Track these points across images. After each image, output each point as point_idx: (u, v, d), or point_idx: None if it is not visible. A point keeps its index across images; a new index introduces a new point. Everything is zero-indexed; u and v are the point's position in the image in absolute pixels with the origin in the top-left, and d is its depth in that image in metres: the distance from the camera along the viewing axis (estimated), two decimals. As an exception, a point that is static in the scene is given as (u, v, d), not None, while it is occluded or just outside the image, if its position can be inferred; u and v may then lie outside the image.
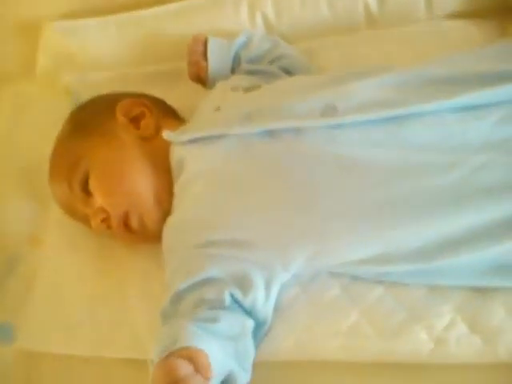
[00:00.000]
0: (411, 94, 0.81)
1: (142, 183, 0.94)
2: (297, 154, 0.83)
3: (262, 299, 0.85)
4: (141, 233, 0.95)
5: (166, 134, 0.93)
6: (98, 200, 0.94)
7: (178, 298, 0.87)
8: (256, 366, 0.84)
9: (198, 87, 1.10)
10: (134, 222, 0.93)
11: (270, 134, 0.85)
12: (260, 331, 0.85)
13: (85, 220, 0.97)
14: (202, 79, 1.06)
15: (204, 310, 0.82)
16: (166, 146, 0.94)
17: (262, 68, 1.02)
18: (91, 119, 0.99)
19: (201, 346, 0.73)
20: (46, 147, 1.06)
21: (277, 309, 0.87)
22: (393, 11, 1.08)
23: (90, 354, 0.94)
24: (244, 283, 0.85)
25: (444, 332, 0.79)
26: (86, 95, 1.11)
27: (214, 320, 0.80)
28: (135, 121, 0.98)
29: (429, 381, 0.79)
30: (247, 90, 0.93)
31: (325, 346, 0.83)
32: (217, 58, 1.04)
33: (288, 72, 1.02)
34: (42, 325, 0.97)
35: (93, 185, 0.94)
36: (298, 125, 0.84)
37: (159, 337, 0.79)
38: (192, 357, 0.70)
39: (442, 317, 0.80)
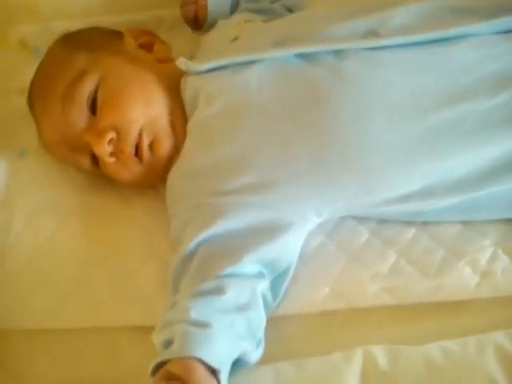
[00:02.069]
0: (452, 19, 0.79)
1: (159, 101, 0.84)
2: (338, 78, 0.77)
3: (286, 247, 0.78)
4: (149, 164, 0.83)
5: (182, 62, 0.83)
6: (108, 117, 0.82)
7: (190, 255, 0.78)
8: (288, 319, 0.78)
9: (179, 39, 1.00)
10: (145, 149, 0.82)
11: (307, 58, 0.78)
12: (282, 282, 0.78)
13: (80, 152, 0.84)
14: (198, 20, 0.98)
15: (211, 279, 0.74)
16: (179, 76, 0.85)
17: (266, 6, 0.96)
18: (94, 38, 0.88)
19: (199, 353, 0.67)
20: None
21: (303, 259, 0.80)
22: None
23: (84, 326, 0.82)
24: (266, 233, 0.77)
25: (488, 265, 0.77)
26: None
27: (221, 291, 0.73)
28: (145, 47, 0.89)
29: (474, 317, 0.76)
30: (266, 21, 0.86)
31: (364, 291, 0.78)
32: None
33: (291, 11, 0.96)
34: (24, 298, 0.83)
35: (105, 98, 0.82)
36: (340, 47, 0.78)
37: (163, 321, 0.72)
38: (185, 378, 0.66)
39: (483, 251, 0.78)
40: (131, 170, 0.84)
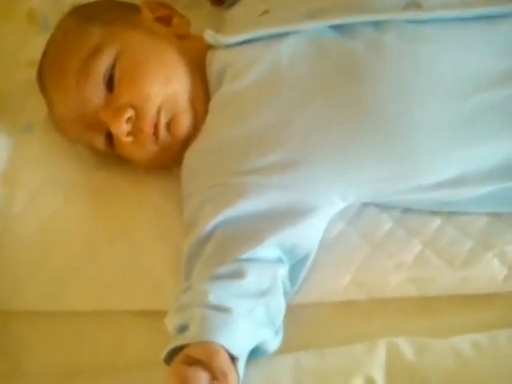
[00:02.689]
0: None
1: (180, 78, 0.80)
2: (378, 52, 0.73)
3: (308, 232, 0.74)
4: (165, 144, 0.79)
5: (210, 35, 0.79)
6: (126, 94, 0.77)
7: (206, 237, 0.74)
8: (307, 307, 0.75)
9: (197, 17, 0.95)
10: (162, 128, 0.78)
11: (344, 30, 0.75)
12: (300, 269, 0.74)
13: (95, 131, 0.80)
14: None
15: (229, 262, 0.71)
16: (202, 51, 0.81)
17: None
18: (109, 10, 0.84)
19: (219, 338, 0.63)
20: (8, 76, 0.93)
21: (324, 246, 0.76)
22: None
23: (88, 309, 0.78)
24: (289, 216, 0.73)
25: (517, 258, 0.74)
26: (57, 21, 0.95)
27: (240, 275, 0.70)
28: (162, 20, 0.85)
29: (501, 311, 0.72)
30: None
31: (388, 281, 0.74)
32: None
33: None
34: (25, 278, 0.79)
35: (123, 74, 0.78)
36: (380, 18, 0.74)
37: (178, 305, 0.68)
38: (207, 362, 0.63)
39: (511, 243, 0.75)
40: (148, 150, 0.80)
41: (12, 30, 1.01)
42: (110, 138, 0.82)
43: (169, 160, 0.83)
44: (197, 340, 0.64)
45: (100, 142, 0.82)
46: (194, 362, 0.63)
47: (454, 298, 0.74)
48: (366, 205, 0.80)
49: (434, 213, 0.78)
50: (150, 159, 0.82)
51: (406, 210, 0.79)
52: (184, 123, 0.80)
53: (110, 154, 0.85)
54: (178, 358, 0.64)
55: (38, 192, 0.84)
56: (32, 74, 0.93)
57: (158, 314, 0.72)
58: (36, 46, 0.99)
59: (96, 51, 0.79)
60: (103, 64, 0.78)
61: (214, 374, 0.62)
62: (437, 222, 0.78)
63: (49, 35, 0.97)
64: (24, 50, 0.99)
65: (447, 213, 0.78)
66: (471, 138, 0.72)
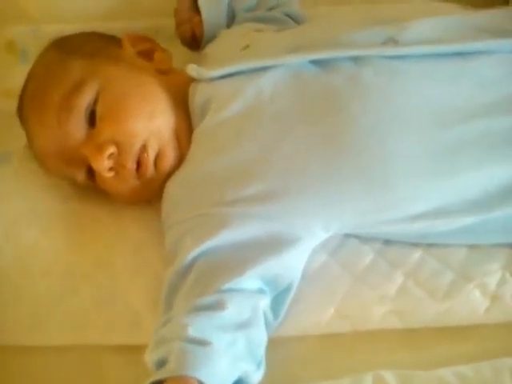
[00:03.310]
0: (472, 35, 0.77)
1: (163, 113, 0.79)
2: (357, 86, 0.74)
3: (290, 263, 0.74)
4: (149, 179, 0.79)
5: (193, 69, 0.80)
6: (108, 130, 0.77)
7: (187, 268, 0.73)
8: (290, 341, 0.74)
9: (177, 49, 0.98)
10: (151, 164, 0.78)
11: (323, 65, 0.76)
12: (283, 300, 0.74)
13: (75, 166, 0.79)
14: (195, 38, 0.95)
15: (210, 294, 0.70)
16: (184, 85, 0.81)
17: (268, 14, 0.93)
18: (90, 44, 0.84)
19: (198, 373, 0.62)
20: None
21: (306, 278, 0.76)
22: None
23: (65, 344, 0.75)
24: (271, 247, 0.73)
25: (497, 289, 0.74)
26: (36, 53, 0.93)
27: (221, 306, 0.69)
28: (144, 55, 0.85)
29: (484, 342, 0.72)
30: (278, 30, 0.84)
31: (371, 313, 0.74)
32: (210, 9, 0.94)
33: (292, 19, 0.94)
34: (2, 313, 0.76)
35: (105, 110, 0.77)
36: (359, 53, 0.75)
37: (157, 339, 0.67)
38: None
39: (492, 275, 0.75)
40: (129, 185, 0.80)
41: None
42: (91, 172, 0.81)
43: (149, 195, 0.83)
44: (175, 374, 0.62)
45: (81, 176, 0.81)
46: None
47: (437, 330, 0.74)
48: (347, 236, 0.80)
49: (415, 244, 0.79)
50: (132, 194, 0.81)
51: (387, 242, 0.79)
52: (170, 158, 0.80)
53: (91, 188, 0.84)
54: None
55: (14, 224, 0.83)
56: (9, 103, 0.93)
57: (138, 349, 0.70)
58: (14, 77, 0.99)
59: (77, 86, 0.78)
60: (85, 100, 0.78)
61: None
62: (418, 253, 0.78)
63: (27, 66, 0.97)
64: (1, 79, 0.99)
65: (427, 244, 0.79)
66: (450, 170, 0.73)
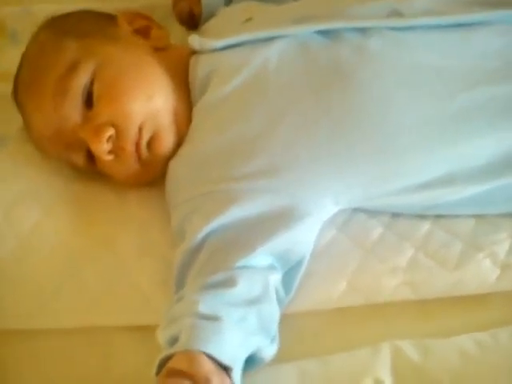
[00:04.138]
0: (475, 6, 0.77)
1: (162, 92, 0.77)
2: (364, 56, 0.74)
3: (300, 238, 0.73)
4: (148, 162, 0.77)
5: (195, 39, 0.78)
6: (106, 112, 0.75)
7: (197, 247, 0.71)
8: (302, 316, 0.73)
9: (173, 28, 0.96)
10: (144, 146, 0.76)
11: (329, 36, 0.75)
12: (294, 276, 0.73)
13: (74, 149, 0.77)
14: (193, 17, 0.93)
15: (221, 271, 0.69)
16: (183, 60, 0.80)
17: None
18: (85, 23, 0.81)
19: (208, 347, 0.61)
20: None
21: (316, 253, 0.75)
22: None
23: (73, 326, 0.73)
24: (281, 221, 0.72)
25: (507, 257, 0.74)
26: (26, 35, 0.91)
27: (231, 283, 0.68)
28: (141, 32, 0.83)
29: (496, 310, 0.72)
30: (279, 4, 0.83)
31: (384, 285, 0.73)
32: None
33: None
34: (4, 295, 0.74)
35: (102, 91, 0.75)
36: (366, 24, 0.75)
37: (168, 317, 0.66)
38: (188, 370, 0.60)
39: (501, 243, 0.75)
40: (130, 168, 0.78)
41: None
42: (90, 155, 0.79)
43: (151, 177, 0.81)
44: (184, 349, 0.61)
45: (80, 159, 0.80)
46: (175, 373, 0.60)
47: (449, 300, 0.73)
48: (355, 211, 0.80)
49: (423, 217, 0.79)
50: (133, 177, 0.80)
51: (395, 215, 0.79)
52: (166, 141, 0.78)
53: (90, 171, 0.82)
54: (163, 371, 0.61)
55: (13, 205, 0.80)
56: (1, 86, 0.91)
57: (148, 329, 0.70)
58: (4, 59, 0.97)
59: (73, 67, 0.76)
60: (81, 81, 0.76)
61: (197, 382, 0.60)
62: (426, 225, 0.78)
63: (18, 47, 0.95)
64: (-8, 62, 0.96)
65: (435, 216, 0.79)
66: (457, 137, 0.73)
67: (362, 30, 0.76)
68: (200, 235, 0.72)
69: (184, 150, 0.78)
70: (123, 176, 0.80)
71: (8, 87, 0.88)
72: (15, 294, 0.74)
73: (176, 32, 0.93)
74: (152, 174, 0.80)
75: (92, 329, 0.73)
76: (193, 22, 0.94)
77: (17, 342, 0.73)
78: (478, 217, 0.79)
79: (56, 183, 0.82)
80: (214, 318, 0.64)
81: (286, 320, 0.71)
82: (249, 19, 0.81)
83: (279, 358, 0.68)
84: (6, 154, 0.84)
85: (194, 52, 0.81)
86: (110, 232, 0.79)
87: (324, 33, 0.76)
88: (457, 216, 0.78)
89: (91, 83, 0.76)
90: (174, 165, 0.78)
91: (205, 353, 0.61)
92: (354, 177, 0.74)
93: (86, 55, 0.77)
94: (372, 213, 0.79)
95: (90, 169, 0.81)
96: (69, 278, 0.75)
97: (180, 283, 0.71)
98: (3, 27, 0.98)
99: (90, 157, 0.79)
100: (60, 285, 0.75)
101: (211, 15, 0.91)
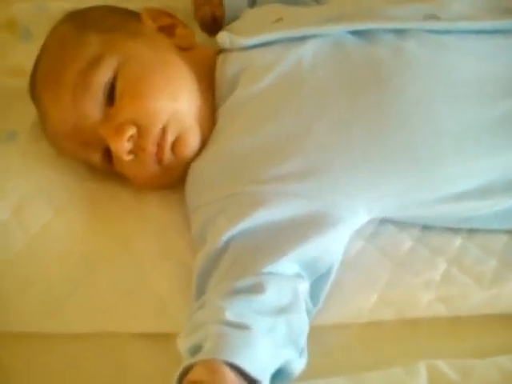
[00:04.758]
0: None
1: (187, 92, 0.74)
2: (401, 58, 0.71)
3: (330, 246, 0.69)
4: (169, 165, 0.74)
5: (225, 36, 0.75)
6: (128, 110, 0.71)
7: (221, 250, 0.68)
8: (332, 329, 0.69)
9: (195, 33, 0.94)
10: (168, 149, 0.72)
11: (365, 36, 0.73)
12: (322, 286, 0.69)
13: (92, 147, 0.74)
14: (215, 21, 0.89)
15: (249, 275, 0.65)
16: (208, 60, 0.77)
17: None
18: (108, 17, 0.78)
19: (237, 358, 0.57)
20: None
21: (344, 264, 0.71)
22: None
23: (85, 331, 0.69)
24: (312, 227, 0.68)
25: (545, 276, 0.71)
26: (39, 31, 0.89)
27: (260, 289, 0.64)
28: (165, 30, 0.80)
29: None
30: (309, 6, 0.81)
31: (417, 300, 0.69)
32: None
33: (317, 1, 0.87)
34: (13, 296, 0.69)
35: (125, 88, 0.72)
36: (402, 26, 0.72)
37: (191, 325, 0.61)
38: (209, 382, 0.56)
39: (537, 262, 0.73)
40: (149, 170, 0.74)
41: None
42: (107, 154, 0.75)
43: (170, 181, 0.77)
44: (211, 357, 0.56)
45: (97, 158, 0.76)
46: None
47: (485, 318, 0.70)
48: (383, 223, 0.76)
49: (454, 231, 0.76)
50: (151, 179, 0.76)
51: (425, 229, 0.76)
52: (190, 143, 0.74)
53: (107, 171, 0.78)
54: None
55: (23, 204, 0.76)
56: (13, 82, 0.88)
57: (165, 337, 0.67)
58: (16, 54, 0.93)
59: (95, 62, 0.73)
60: (103, 76, 0.73)
61: None
62: (458, 240, 0.75)
63: (30, 44, 0.92)
64: (3, 58, 0.92)
65: (467, 231, 0.76)
66: (497, 145, 0.70)
67: (399, 32, 0.73)
68: (224, 238, 0.68)
69: (208, 151, 0.74)
70: (141, 178, 0.76)
71: (19, 82, 0.85)
72: (25, 296, 0.70)
73: (198, 31, 0.89)
74: (171, 178, 0.77)
75: (105, 335, 0.69)
76: (215, 26, 0.90)
77: (25, 346, 0.68)
78: (509, 233, 0.75)
79: (69, 181, 0.78)
80: (242, 327, 0.60)
81: (313, 333, 0.66)
82: (279, 19, 0.78)
83: (306, 374, 0.63)
84: (17, 150, 0.80)
85: (219, 51, 0.79)
86: (127, 233, 0.74)
87: (358, 33, 0.74)
88: (488, 231, 0.75)
89: (114, 79, 0.73)
90: (196, 166, 0.74)
91: (230, 363, 0.57)
92: (388, 184, 0.70)
93: (110, 50, 0.74)
94: (401, 225, 0.76)
95: (107, 168, 0.77)
96: (82, 280, 0.71)
97: (201, 288, 0.67)
98: (14, 23, 0.94)
99: (108, 156, 0.76)
100: (73, 287, 0.70)
101: (233, 19, 0.87)
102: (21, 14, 0.96)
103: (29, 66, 0.84)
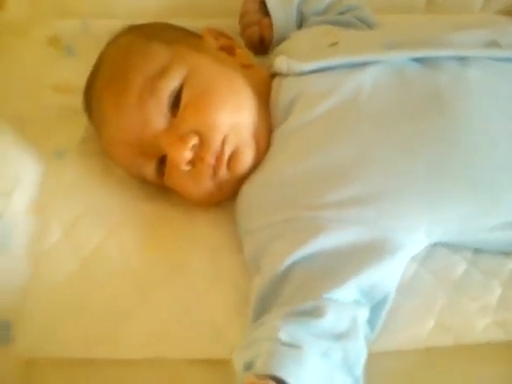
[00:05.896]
0: None
1: (248, 107, 0.74)
2: (465, 86, 0.71)
3: (388, 272, 0.68)
4: (222, 180, 0.73)
5: (283, 61, 0.75)
6: (192, 120, 0.71)
7: (282, 276, 0.67)
8: (388, 355, 0.68)
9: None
10: (224, 162, 0.72)
11: (426, 63, 0.72)
12: (379, 312, 0.68)
13: (147, 158, 0.74)
14: (264, 41, 0.90)
15: (310, 300, 0.65)
16: (265, 81, 0.77)
17: (344, 18, 0.88)
18: (171, 31, 0.78)
19: (286, 374, 0.56)
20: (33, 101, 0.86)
21: (399, 289, 0.70)
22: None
23: (139, 357, 0.67)
24: (373, 255, 0.68)
25: None
26: (82, 48, 0.92)
27: (318, 312, 0.63)
28: (225, 50, 0.80)
29: None
30: (360, 29, 0.81)
31: (474, 325, 0.69)
32: (280, 12, 0.89)
33: (365, 24, 0.89)
34: (62, 321, 0.68)
35: (191, 98, 0.72)
36: (466, 53, 0.72)
37: (246, 341, 0.61)
38: None
39: None
40: (202, 184, 0.74)
41: (33, 52, 0.93)
42: (161, 165, 0.75)
43: (221, 198, 0.77)
44: (259, 373, 0.56)
45: (150, 169, 0.75)
46: None
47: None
48: (435, 245, 0.75)
49: (507, 254, 0.75)
50: (202, 194, 0.75)
51: (477, 252, 0.75)
52: (245, 159, 0.74)
53: (156, 184, 0.77)
54: None
55: (74, 224, 0.75)
56: (58, 98, 0.89)
57: (220, 363, 0.65)
58: (60, 71, 0.93)
59: (164, 70, 0.73)
60: (170, 85, 0.73)
61: None
62: (511, 263, 0.74)
63: (75, 60, 0.93)
64: (48, 74, 0.92)
65: (519, 253, 0.75)
66: None
67: (461, 59, 0.73)
68: (285, 264, 0.67)
69: (261, 174, 0.74)
70: (193, 193, 0.75)
71: (65, 99, 0.87)
72: (76, 320, 0.69)
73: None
74: (222, 195, 0.76)
75: (158, 361, 0.67)
76: (262, 46, 0.91)
77: (75, 372, 0.67)
78: None
79: (121, 201, 0.77)
80: (294, 346, 0.59)
81: (369, 359, 0.65)
82: (334, 43, 0.77)
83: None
84: (67, 169, 0.80)
85: (274, 74, 0.78)
86: (179, 255, 0.74)
87: (419, 60, 0.73)
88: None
89: (180, 88, 0.73)
90: (248, 188, 0.74)
91: (279, 379, 0.56)
92: (451, 210, 0.70)
93: (178, 60, 0.74)
94: (453, 248, 0.75)
95: (158, 181, 0.77)
96: (135, 305, 0.70)
97: (259, 314, 0.66)
98: (56, 41, 0.94)
99: (161, 167, 0.76)
100: (126, 311, 0.69)
101: (282, 39, 0.88)
102: (65, 32, 0.95)
103: (73, 82, 0.85)
